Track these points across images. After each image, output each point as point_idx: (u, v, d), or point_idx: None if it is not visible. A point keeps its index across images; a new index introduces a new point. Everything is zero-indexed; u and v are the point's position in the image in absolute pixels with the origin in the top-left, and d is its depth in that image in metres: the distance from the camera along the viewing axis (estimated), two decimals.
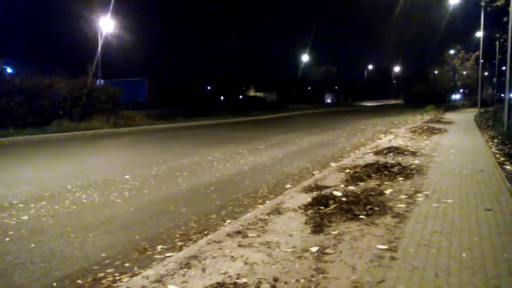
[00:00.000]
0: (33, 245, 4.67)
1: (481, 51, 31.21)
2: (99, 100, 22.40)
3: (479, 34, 30.84)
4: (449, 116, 27.68)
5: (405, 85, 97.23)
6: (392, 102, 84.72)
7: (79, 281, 3.78)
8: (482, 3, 24.74)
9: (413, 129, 17.01)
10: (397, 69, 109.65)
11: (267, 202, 6.22)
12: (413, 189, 6.35)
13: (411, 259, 3.66)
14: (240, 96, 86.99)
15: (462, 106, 46.92)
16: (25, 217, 5.72)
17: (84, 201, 6.65)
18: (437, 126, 18.81)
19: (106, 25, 28.64)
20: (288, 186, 7.56)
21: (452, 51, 48.42)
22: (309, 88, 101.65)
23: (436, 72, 57.99)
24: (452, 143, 12.34)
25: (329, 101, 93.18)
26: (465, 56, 46.75)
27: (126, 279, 3.68)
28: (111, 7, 26.78)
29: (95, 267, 4.08)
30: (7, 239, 4.89)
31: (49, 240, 4.85)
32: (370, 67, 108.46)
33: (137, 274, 3.71)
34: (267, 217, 5.09)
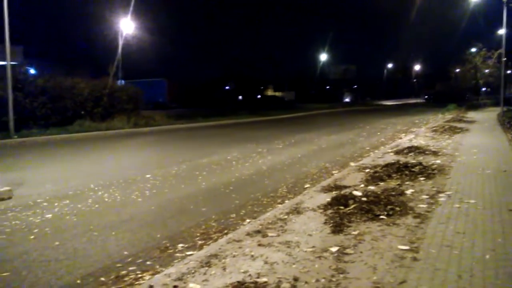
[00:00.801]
0: (57, 243, 4.78)
1: (503, 49, 30.57)
2: (120, 100, 22.76)
3: (502, 31, 30.17)
4: (471, 115, 27.19)
5: (425, 83, 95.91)
6: (412, 101, 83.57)
7: (102, 279, 3.85)
8: (504, 0, 24.21)
9: (434, 128, 16.77)
10: (417, 67, 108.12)
11: (286, 201, 6.22)
12: (434, 189, 6.26)
13: (433, 260, 3.62)
14: (258, 96, 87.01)
15: (485, 105, 46.01)
16: (49, 216, 5.85)
17: (106, 200, 6.76)
18: (459, 125, 18.50)
19: (127, 26, 29.00)
20: (307, 185, 7.54)
21: (473, 49, 47.49)
22: (327, 87, 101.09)
23: (457, 70, 56.99)
24: (474, 143, 12.12)
25: (347, 100, 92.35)
26: (487, 54, 45.78)
27: (148, 277, 3.74)
28: (131, 8, 27.11)
29: (118, 265, 4.15)
30: (32, 237, 5.01)
31: (72, 238, 4.96)
32: (390, 65, 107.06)
33: (158, 272, 3.76)
34: (286, 216, 5.09)
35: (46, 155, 12.50)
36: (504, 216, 4.87)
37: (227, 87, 68.33)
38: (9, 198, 6.75)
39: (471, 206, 5.33)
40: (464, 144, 11.78)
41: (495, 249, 3.86)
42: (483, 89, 55.13)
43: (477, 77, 49.61)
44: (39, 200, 6.65)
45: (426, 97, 76.68)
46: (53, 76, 20.31)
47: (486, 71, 48.41)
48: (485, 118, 24.42)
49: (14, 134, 16.22)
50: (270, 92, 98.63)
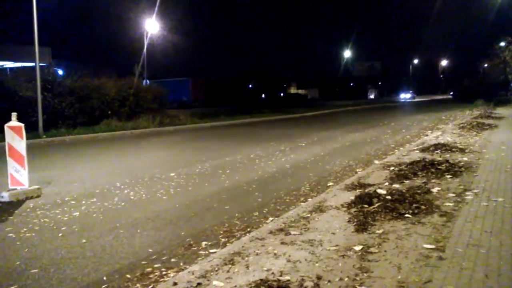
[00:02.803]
0: (84, 241, 4.89)
1: None
2: (145, 100, 23.08)
3: None
4: (500, 111, 26.44)
5: (452, 79, 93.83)
6: (439, 97, 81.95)
7: (128, 276, 3.92)
8: None
9: (461, 125, 16.39)
10: (444, 63, 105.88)
11: (309, 200, 6.20)
12: (461, 187, 6.13)
13: (459, 259, 3.55)
14: (282, 94, 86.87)
15: None
16: (77, 213, 5.99)
17: (132, 198, 6.88)
18: (487, 121, 18.02)
19: (152, 26, 29.36)
20: (331, 184, 7.49)
21: (502, 43, 46.15)
22: (351, 84, 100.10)
23: (485, 65, 55.53)
24: (503, 139, 11.80)
25: (372, 97, 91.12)
26: None
27: (173, 274, 3.79)
28: (156, 9, 27.41)
29: (143, 262, 4.22)
30: (60, 234, 5.13)
31: (99, 235, 5.06)
32: (416, 61, 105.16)
33: (183, 269, 3.81)
34: (309, 215, 5.07)
35: (74, 154, 12.79)
36: None
37: (250, 86, 68.41)
38: (38, 196, 6.94)
39: (499, 204, 5.20)
40: (492, 141, 11.48)
41: None
42: None
43: (506, 72, 48.20)
44: (67, 198, 6.82)
45: (451, 93, 74.87)
46: (80, 77, 20.75)
47: None
48: None
49: (43, 133, 16.64)
50: (293, 90, 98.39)
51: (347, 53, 76.91)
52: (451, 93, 75.73)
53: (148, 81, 29.95)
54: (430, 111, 32.23)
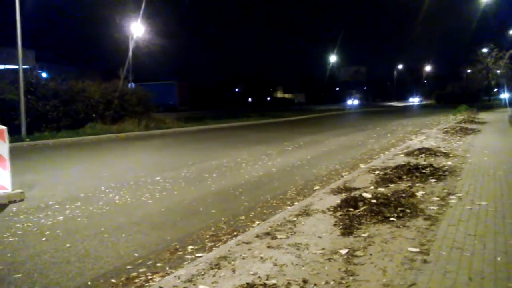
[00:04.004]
0: (68, 245, 4.82)
1: None
2: (131, 103, 22.93)
3: None
4: (483, 116, 26.90)
5: (436, 84, 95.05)
6: (423, 102, 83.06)
7: (113, 280, 3.88)
8: None
9: (445, 129, 16.63)
10: (428, 68, 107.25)
11: (296, 203, 6.22)
12: (445, 191, 6.21)
13: (443, 263, 3.59)
14: (268, 98, 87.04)
15: (496, 106, 45.50)
16: (61, 218, 5.91)
17: (117, 202, 6.82)
18: (470, 126, 18.32)
19: (137, 29, 29.18)
20: (317, 187, 7.53)
21: (485, 50, 47.04)
22: (337, 88, 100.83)
23: (468, 71, 56.49)
24: (486, 144, 12.00)
25: (354, 102, 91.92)
26: (499, 55, 45.35)
27: (158, 279, 3.76)
28: (141, 12, 27.24)
29: (128, 267, 4.18)
30: (43, 239, 5.06)
31: (83, 240, 5.00)
32: (400, 66, 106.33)
33: (168, 274, 3.79)
34: (295, 218, 5.09)
35: (58, 158, 12.64)
36: None
37: (236, 89, 68.45)
38: (21, 200, 6.82)
39: (482, 208, 5.28)
40: (476, 146, 11.67)
41: (507, 251, 3.82)
42: (495, 89, 54.55)
43: (488, 78, 49.12)
44: (50, 202, 6.72)
45: (436, 98, 75.92)
46: (64, 80, 20.54)
47: (498, 71, 47.92)
48: (496, 119, 24.16)
49: (26, 137, 16.40)
50: (279, 94, 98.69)
51: (333, 58, 77.46)
52: (437, 98, 76.80)
53: (133, 84, 29.73)
54: (414, 116, 32.62)
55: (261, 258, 3.83)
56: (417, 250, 3.89)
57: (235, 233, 5.07)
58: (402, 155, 10.04)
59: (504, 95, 48.56)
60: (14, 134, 16.27)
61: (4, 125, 6.87)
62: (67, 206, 6.51)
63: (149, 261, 4.31)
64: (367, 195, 5.63)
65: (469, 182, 6.86)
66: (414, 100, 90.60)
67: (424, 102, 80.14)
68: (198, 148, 14.81)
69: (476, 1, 33.18)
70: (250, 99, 79.25)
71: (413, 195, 5.92)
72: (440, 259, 3.67)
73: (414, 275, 3.36)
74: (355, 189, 6.53)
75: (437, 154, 9.88)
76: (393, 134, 17.90)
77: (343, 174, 8.73)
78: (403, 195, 5.86)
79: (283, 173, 9.21)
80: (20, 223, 5.66)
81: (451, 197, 5.84)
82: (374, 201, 5.39)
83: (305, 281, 3.30)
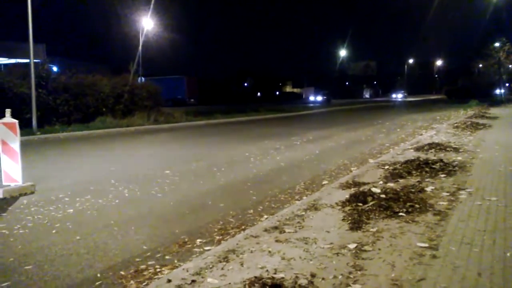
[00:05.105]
0: (78, 237, 4.87)
1: None
2: (140, 97, 23.02)
3: None
4: (494, 111, 26.60)
5: (447, 79, 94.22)
6: (434, 97, 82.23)
7: (122, 273, 3.91)
8: None
9: (455, 124, 16.47)
10: (439, 62, 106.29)
11: (304, 198, 6.21)
12: (455, 186, 6.17)
13: (452, 258, 3.57)
14: (277, 92, 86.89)
15: (508, 101, 44.97)
16: (71, 210, 5.96)
17: (127, 195, 6.86)
18: (481, 121, 18.13)
19: (147, 24, 29.25)
20: (325, 182, 7.51)
21: (497, 44, 46.38)
22: (346, 83, 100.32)
23: (480, 65, 55.81)
24: (496, 139, 11.87)
25: (367, 96, 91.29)
26: (511, 49, 44.68)
27: (167, 271, 3.78)
28: (151, 6, 27.31)
29: (137, 259, 4.21)
30: (54, 231, 5.11)
31: (93, 232, 5.04)
32: (411, 61, 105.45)
33: (177, 267, 3.81)
34: (304, 213, 5.08)
35: (68, 151, 12.74)
36: None
37: (245, 84, 68.41)
38: (32, 193, 6.90)
39: (493, 203, 5.24)
40: (486, 141, 11.55)
41: None
42: (507, 84, 53.85)
43: (500, 73, 48.47)
44: (61, 195, 6.78)
45: (447, 93, 74.95)
46: (75, 74, 20.64)
47: (510, 66, 47.27)
48: (508, 114, 23.89)
49: (37, 130, 16.55)
50: (288, 89, 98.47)
51: (343, 52, 77.06)
52: (448, 92, 75.78)
53: (143, 78, 29.87)
54: (424, 111, 32.33)
55: (269, 252, 3.83)
56: (426, 245, 3.87)
57: (243, 227, 5.08)
58: (412, 150, 9.97)
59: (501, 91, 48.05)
60: (25, 128, 16.43)
61: (15, 118, 6.94)
62: (77, 199, 6.56)
63: (158, 254, 4.34)
64: (376, 190, 5.61)
65: (479, 177, 6.79)
66: (398, 96, 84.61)
67: (411, 99, 75.59)
68: (207, 142, 14.84)
69: None
70: (259, 94, 79.17)
71: (422, 190, 5.88)
72: (449, 254, 3.65)
73: (423, 270, 3.35)
74: (364, 184, 6.50)
75: (447, 149, 9.80)
76: (403, 129, 17.79)
77: (352, 169, 8.70)
78: (413, 190, 5.82)
79: (291, 167, 9.20)
80: (30, 215, 5.72)
81: (461, 192, 5.80)
82: (383, 196, 5.37)
83: (313, 275, 3.30)
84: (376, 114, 30.82)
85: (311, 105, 50.99)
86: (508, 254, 3.61)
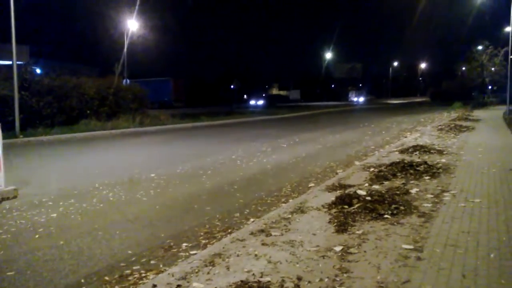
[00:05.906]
0: (61, 242, 4.79)
1: (510, 47, 30.27)
2: (125, 99, 22.83)
3: (508, 29, 29.90)
4: (477, 113, 27.03)
5: (431, 82, 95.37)
6: (418, 99, 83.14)
7: (106, 278, 3.86)
8: None
9: (439, 127, 16.69)
10: (423, 65, 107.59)
11: (290, 201, 6.22)
12: (439, 188, 6.24)
13: (437, 260, 3.60)
14: (263, 95, 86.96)
15: (490, 104, 45.70)
16: (54, 215, 5.87)
17: (111, 199, 6.78)
18: (464, 124, 18.41)
19: (132, 25, 29.05)
20: (312, 185, 7.53)
21: (480, 47, 47.17)
22: (332, 85, 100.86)
23: (463, 68, 56.65)
24: (480, 141, 12.05)
25: (354, 99, 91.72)
26: (494, 52, 45.50)
27: (152, 276, 3.75)
28: (137, 7, 27.15)
29: (122, 264, 4.17)
30: (36, 236, 5.03)
31: (77, 237, 4.97)
32: (396, 63, 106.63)
33: (162, 271, 3.78)
34: (290, 216, 5.08)
35: (52, 155, 12.56)
36: (509, 215, 4.85)
37: (232, 86, 68.35)
38: (15, 197, 6.78)
39: (476, 205, 5.31)
40: (470, 143, 11.72)
41: (500, 248, 3.84)
42: (489, 87, 54.69)
43: (483, 75, 49.27)
44: (44, 199, 6.68)
45: (431, 95, 75.65)
46: (59, 76, 20.38)
47: (493, 69, 48.07)
48: (490, 117, 24.29)
49: (20, 133, 16.29)
50: (275, 91, 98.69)
51: (329, 55, 77.43)
52: (432, 95, 76.44)
53: (128, 80, 29.61)
54: (409, 113, 32.67)
55: (256, 255, 3.82)
56: (411, 247, 3.90)
57: (229, 230, 5.06)
58: (397, 153, 10.07)
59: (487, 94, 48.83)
60: (8, 131, 16.16)
61: None
62: (61, 203, 6.47)
63: (143, 259, 4.29)
64: (361, 192, 5.64)
65: (463, 179, 6.89)
66: (355, 100, 76.77)
67: (396, 102, 70.02)
68: (192, 144, 14.78)
69: None
70: (245, 96, 79.14)
71: (407, 192, 5.94)
72: (434, 256, 3.69)
73: (408, 272, 3.37)
74: (350, 186, 6.54)
75: (432, 151, 9.91)
76: (388, 131, 17.95)
77: (338, 171, 8.74)
78: (398, 192, 5.88)
79: (278, 170, 9.21)
80: (13, 220, 5.62)
81: (445, 194, 5.87)
82: (368, 198, 5.41)
83: (299, 278, 3.30)
84: (360, 117, 31.03)
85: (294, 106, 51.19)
86: (492, 255, 3.66)
